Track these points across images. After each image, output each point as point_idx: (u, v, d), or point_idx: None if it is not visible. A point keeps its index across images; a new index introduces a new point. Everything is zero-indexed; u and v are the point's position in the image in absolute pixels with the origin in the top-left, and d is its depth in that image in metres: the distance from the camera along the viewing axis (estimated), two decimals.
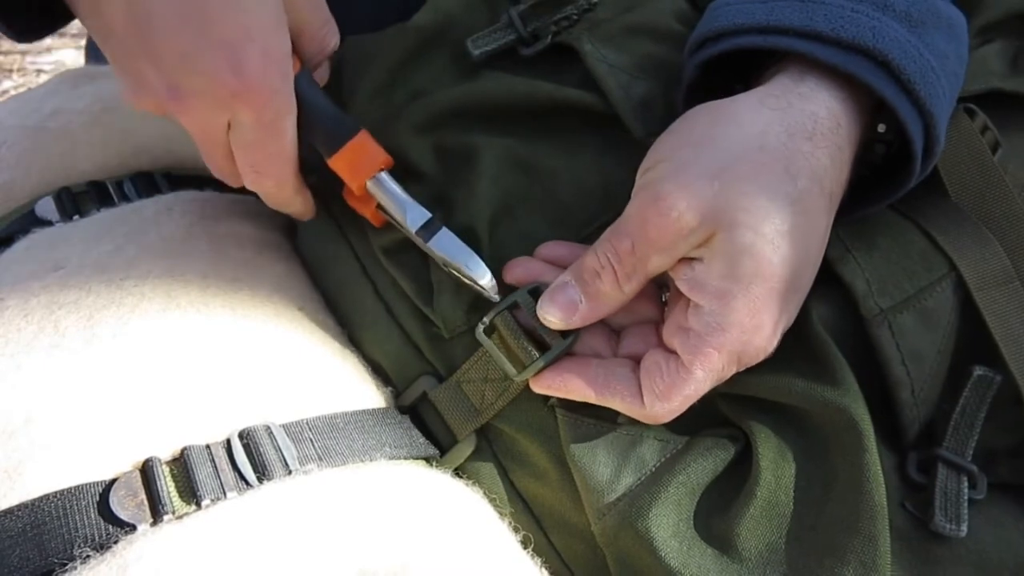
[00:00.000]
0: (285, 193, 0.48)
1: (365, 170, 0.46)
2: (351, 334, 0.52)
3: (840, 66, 0.39)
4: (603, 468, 0.44)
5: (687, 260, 0.39)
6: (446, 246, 0.45)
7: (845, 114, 0.40)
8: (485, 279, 0.44)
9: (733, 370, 0.40)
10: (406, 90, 0.52)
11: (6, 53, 1.78)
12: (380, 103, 0.52)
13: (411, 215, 0.46)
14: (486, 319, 0.45)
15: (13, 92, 1.66)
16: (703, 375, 0.39)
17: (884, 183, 0.43)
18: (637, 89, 0.48)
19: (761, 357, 0.40)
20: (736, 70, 0.44)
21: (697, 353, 0.39)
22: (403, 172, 0.49)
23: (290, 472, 0.40)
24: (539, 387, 0.44)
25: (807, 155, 0.39)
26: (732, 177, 0.38)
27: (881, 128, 0.42)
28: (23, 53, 1.75)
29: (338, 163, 0.46)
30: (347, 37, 0.55)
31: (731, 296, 0.38)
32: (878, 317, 0.42)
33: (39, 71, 1.75)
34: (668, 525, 0.42)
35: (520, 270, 0.45)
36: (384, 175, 0.47)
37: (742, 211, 0.37)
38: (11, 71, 1.73)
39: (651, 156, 0.41)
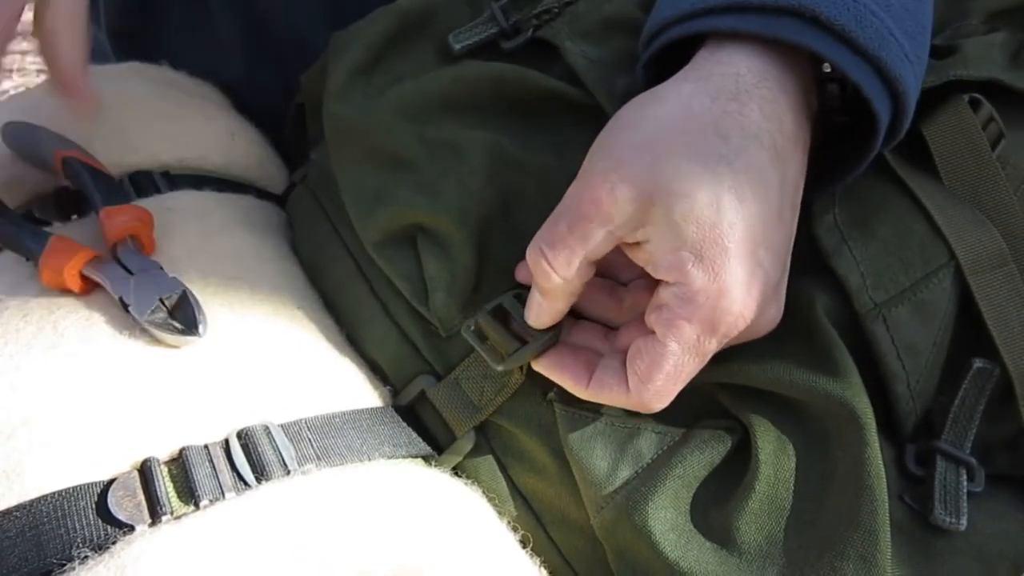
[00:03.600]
0: None
1: (73, 267, 0.46)
2: (349, 333, 0.52)
3: (764, 32, 0.39)
4: (601, 461, 0.43)
5: (638, 244, 0.39)
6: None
7: (772, 66, 0.40)
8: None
9: (713, 342, 0.39)
10: (388, 75, 0.52)
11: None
12: (360, 83, 0.52)
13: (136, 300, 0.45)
14: (469, 323, 0.45)
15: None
16: (678, 348, 0.39)
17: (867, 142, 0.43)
18: (620, 83, 0.48)
19: (742, 324, 0.39)
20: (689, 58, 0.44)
21: (669, 326, 0.39)
22: (386, 157, 0.49)
23: (288, 472, 0.40)
24: (539, 366, 0.44)
25: (734, 114, 0.39)
26: (662, 149, 0.38)
27: (827, 68, 0.41)
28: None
29: (44, 273, 0.47)
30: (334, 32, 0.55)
31: (686, 264, 0.38)
32: (872, 311, 0.42)
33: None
34: (666, 518, 0.42)
35: (526, 272, 0.45)
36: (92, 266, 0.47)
37: (675, 179, 0.38)
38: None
39: (591, 149, 0.41)
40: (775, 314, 0.41)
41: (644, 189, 0.38)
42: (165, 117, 0.60)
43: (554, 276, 0.40)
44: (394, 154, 0.49)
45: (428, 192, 0.48)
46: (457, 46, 0.51)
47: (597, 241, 0.39)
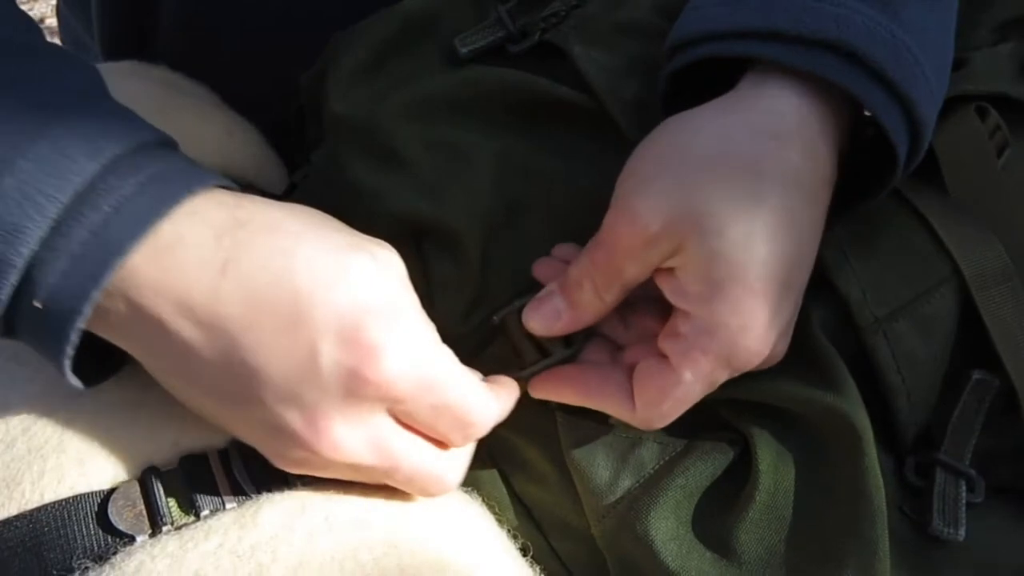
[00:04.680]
0: None
1: None
2: None
3: (801, 66, 0.39)
4: (602, 471, 0.44)
5: (668, 271, 0.40)
6: None
7: (815, 107, 0.40)
8: None
9: (724, 375, 0.39)
10: (391, 77, 0.51)
11: None
12: (363, 84, 0.52)
13: None
14: (496, 317, 0.44)
15: None
16: (691, 378, 0.39)
17: (884, 172, 0.43)
18: (629, 90, 0.47)
19: (756, 361, 0.39)
20: (715, 71, 0.44)
21: (685, 356, 0.39)
22: (387, 157, 0.49)
23: (288, 482, 0.40)
24: (536, 391, 0.44)
25: (774, 153, 0.39)
26: (696, 183, 0.38)
27: (867, 113, 0.41)
28: None
29: None
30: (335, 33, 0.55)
31: (710, 300, 0.38)
32: (873, 326, 0.42)
33: None
34: (667, 528, 0.42)
35: (546, 268, 0.45)
36: None
37: (707, 216, 0.38)
38: None
39: (624, 171, 0.41)
40: (782, 349, 0.41)
41: (675, 224, 0.38)
42: (161, 117, 0.59)
43: (595, 301, 0.41)
44: (396, 155, 0.49)
45: (431, 195, 0.48)
46: (463, 50, 0.51)
47: (634, 270, 0.40)
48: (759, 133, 0.39)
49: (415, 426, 0.40)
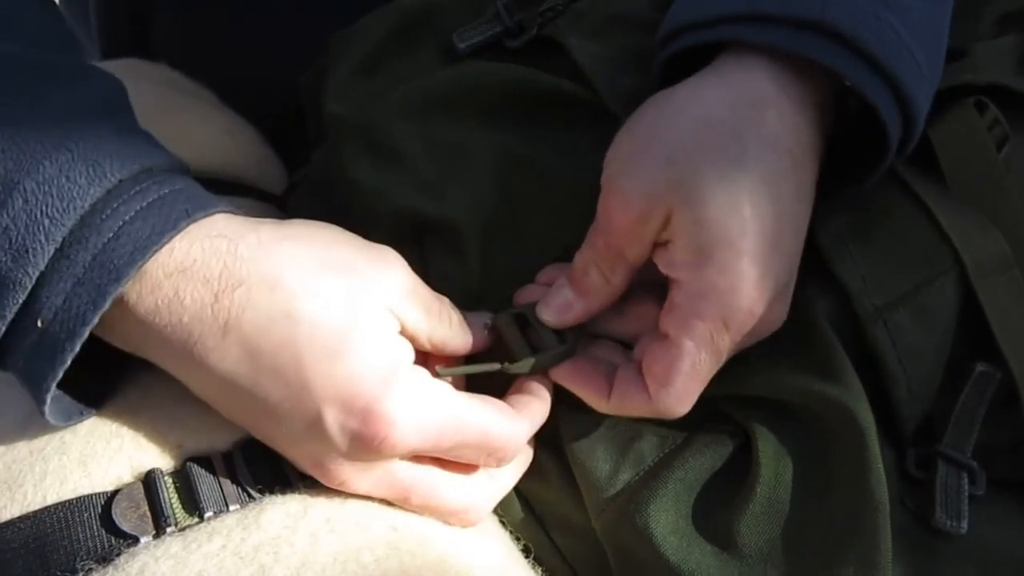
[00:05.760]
0: None
1: None
2: None
3: (788, 48, 0.40)
4: (602, 464, 0.44)
5: (664, 245, 0.40)
6: None
7: (793, 77, 0.41)
8: None
9: (726, 338, 0.39)
10: (390, 75, 0.52)
11: None
12: (362, 82, 0.52)
13: None
14: (487, 322, 0.44)
15: None
16: (693, 346, 0.39)
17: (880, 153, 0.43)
18: (626, 82, 0.48)
19: (752, 321, 0.39)
20: (707, 60, 0.44)
21: (683, 325, 0.39)
22: (387, 156, 0.49)
23: (291, 484, 0.40)
24: (557, 376, 0.44)
25: (753, 120, 0.40)
26: (679, 156, 0.39)
27: (847, 82, 0.42)
28: None
29: None
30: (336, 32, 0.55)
31: (699, 265, 0.39)
32: (873, 315, 0.42)
33: None
34: (667, 521, 0.42)
35: (524, 295, 0.46)
36: None
37: (692, 186, 0.39)
38: None
39: (608, 154, 0.42)
40: (781, 312, 0.41)
41: (661, 198, 0.39)
42: (161, 116, 0.59)
43: (604, 286, 0.42)
44: (396, 152, 0.49)
45: (431, 192, 0.48)
46: (462, 45, 0.51)
47: (634, 249, 0.41)
48: (737, 103, 0.40)
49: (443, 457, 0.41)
